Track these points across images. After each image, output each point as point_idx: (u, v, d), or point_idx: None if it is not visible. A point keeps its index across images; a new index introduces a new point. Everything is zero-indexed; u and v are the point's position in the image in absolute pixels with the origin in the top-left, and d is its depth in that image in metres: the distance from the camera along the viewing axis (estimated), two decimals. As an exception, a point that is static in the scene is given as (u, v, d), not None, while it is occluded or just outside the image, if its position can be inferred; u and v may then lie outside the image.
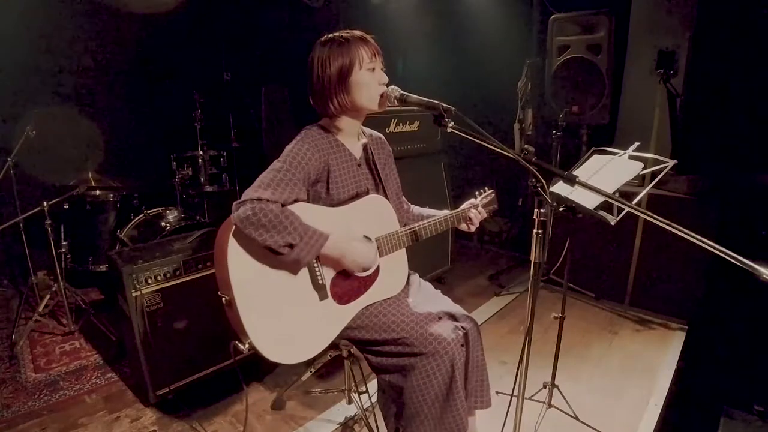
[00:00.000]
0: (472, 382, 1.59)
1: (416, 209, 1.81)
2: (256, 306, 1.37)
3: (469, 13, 4.23)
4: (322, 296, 1.46)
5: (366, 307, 1.55)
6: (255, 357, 1.39)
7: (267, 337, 1.38)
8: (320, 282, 1.46)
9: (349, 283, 1.51)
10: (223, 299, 1.40)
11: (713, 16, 2.80)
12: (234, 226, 1.32)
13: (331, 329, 1.49)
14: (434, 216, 1.68)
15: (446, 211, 1.71)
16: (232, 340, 1.42)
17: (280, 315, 1.40)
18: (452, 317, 1.57)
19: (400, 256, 1.63)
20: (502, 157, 1.30)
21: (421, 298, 1.66)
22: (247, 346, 1.38)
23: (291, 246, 1.31)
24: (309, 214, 1.40)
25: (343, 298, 1.49)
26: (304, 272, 1.43)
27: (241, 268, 1.36)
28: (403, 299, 1.61)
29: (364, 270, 1.51)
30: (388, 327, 1.49)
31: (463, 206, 1.74)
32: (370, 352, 1.55)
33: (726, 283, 2.66)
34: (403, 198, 1.79)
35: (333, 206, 1.50)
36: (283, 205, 1.35)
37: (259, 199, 1.31)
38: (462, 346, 1.50)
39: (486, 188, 1.82)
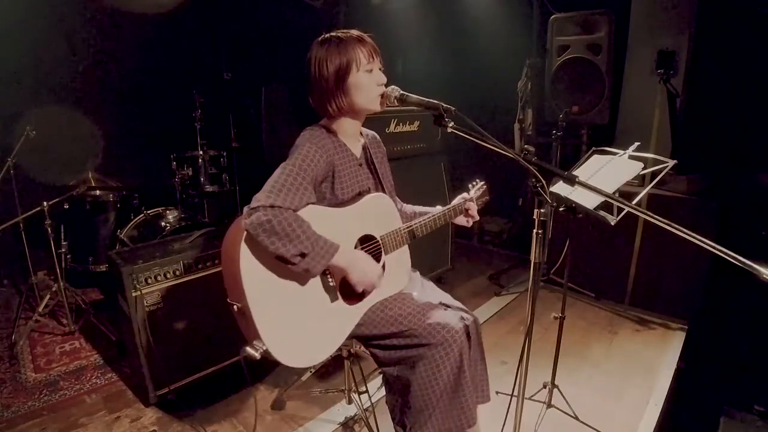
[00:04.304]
0: (474, 376, 1.59)
1: (408, 208, 1.81)
2: (270, 313, 1.34)
3: (469, 12, 4.23)
4: (333, 298, 1.46)
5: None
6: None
7: (283, 342, 1.36)
8: (331, 284, 1.46)
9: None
10: (234, 307, 1.36)
11: (713, 16, 2.80)
12: (245, 232, 1.28)
13: (342, 330, 1.50)
14: (428, 213, 1.68)
15: (440, 207, 1.72)
16: (239, 343, 1.39)
17: (294, 320, 1.39)
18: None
19: (404, 252, 1.65)
20: (502, 157, 1.29)
21: (424, 292, 1.67)
22: (260, 352, 1.34)
23: (303, 255, 1.29)
24: (320, 217, 1.39)
25: (352, 298, 1.50)
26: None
27: (255, 275, 1.32)
28: (406, 293, 1.61)
29: (369, 284, 1.45)
30: (395, 320, 1.49)
31: (456, 201, 1.75)
32: (377, 346, 1.55)
33: (726, 283, 2.65)
34: (396, 197, 1.80)
35: (337, 206, 1.50)
36: (294, 211, 1.33)
37: (272, 206, 1.27)
38: (467, 335, 1.50)
39: (477, 180, 1.83)
